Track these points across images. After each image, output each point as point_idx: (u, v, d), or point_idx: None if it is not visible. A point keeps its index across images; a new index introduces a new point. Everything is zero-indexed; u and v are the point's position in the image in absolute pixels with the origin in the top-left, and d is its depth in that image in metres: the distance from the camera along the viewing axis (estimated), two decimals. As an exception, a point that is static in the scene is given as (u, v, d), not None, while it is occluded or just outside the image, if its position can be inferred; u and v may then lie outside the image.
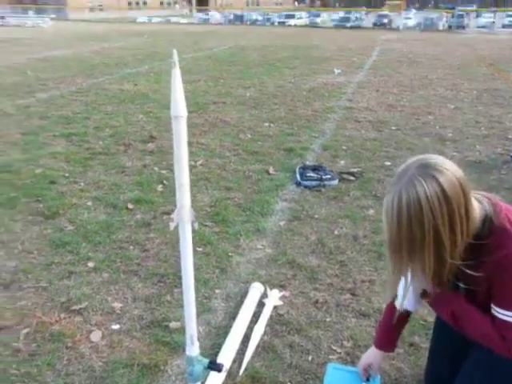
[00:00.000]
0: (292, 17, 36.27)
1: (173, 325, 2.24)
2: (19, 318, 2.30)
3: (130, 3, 63.60)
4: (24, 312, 2.34)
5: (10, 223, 3.29)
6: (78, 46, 17.17)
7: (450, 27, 29.84)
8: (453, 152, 4.85)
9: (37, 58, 13.09)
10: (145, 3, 65.73)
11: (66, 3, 54.99)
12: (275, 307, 2.38)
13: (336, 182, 4.01)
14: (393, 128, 5.83)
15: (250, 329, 2.19)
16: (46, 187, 3.91)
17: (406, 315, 1.51)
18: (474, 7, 44.78)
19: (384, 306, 1.61)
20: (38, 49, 15.85)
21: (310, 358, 2.06)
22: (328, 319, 2.31)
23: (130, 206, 3.55)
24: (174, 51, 1.21)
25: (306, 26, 33.40)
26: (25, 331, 2.20)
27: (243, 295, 2.47)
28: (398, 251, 1.08)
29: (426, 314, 2.21)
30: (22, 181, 4.04)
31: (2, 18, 34.39)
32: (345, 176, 4.14)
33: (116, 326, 2.25)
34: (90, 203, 3.60)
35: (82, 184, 3.98)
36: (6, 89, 8.38)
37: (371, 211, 3.49)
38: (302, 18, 36.71)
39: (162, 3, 67.95)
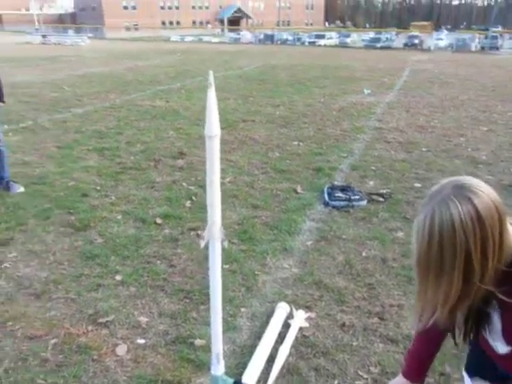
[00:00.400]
0: (322, 37, 36.54)
1: (198, 342, 2.23)
2: (48, 328, 2.34)
3: (163, 23, 65.67)
4: (53, 322, 2.39)
5: (43, 234, 3.38)
6: (113, 63, 17.75)
7: (482, 48, 29.41)
8: (486, 175, 4.73)
9: (74, 75, 13.59)
10: (178, 23, 67.71)
11: (104, 23, 57.26)
12: (301, 328, 2.35)
13: (364, 202, 3.96)
14: (423, 149, 5.74)
15: (275, 349, 2.16)
16: (78, 200, 4.01)
17: (437, 343, 1.46)
18: (500, 28, 43.81)
19: (413, 332, 1.57)
20: (75, 66, 16.47)
21: (335, 382, 2.01)
22: (355, 343, 2.26)
23: (159, 220, 3.59)
24: (210, 72, 1.24)
25: (335, 46, 33.56)
26: (53, 341, 2.24)
27: (269, 315, 2.45)
28: (425, 273, 1.05)
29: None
30: (56, 193, 4.16)
31: (44, 36, 36.02)
32: (373, 197, 4.09)
33: (141, 341, 2.26)
34: (119, 217, 3.67)
35: (113, 198, 4.07)
36: (44, 104, 8.72)
37: (400, 233, 3.43)
38: (332, 38, 36.92)
39: (194, 22, 69.81)
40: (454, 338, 1.23)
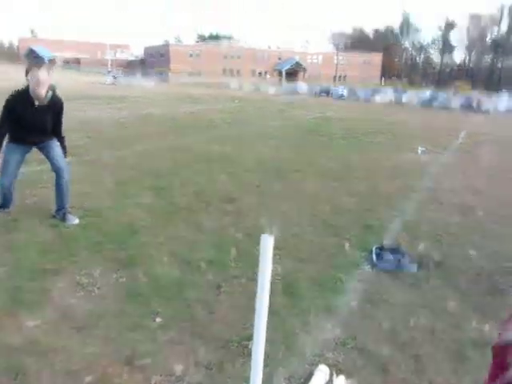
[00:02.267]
0: (377, 92, 36.83)
1: (231, 398, 2.16)
2: (86, 364, 2.35)
3: (224, 70, 68.95)
4: (91, 359, 2.40)
5: (91, 267, 3.47)
6: (174, 106, 18.68)
7: (550, 112, 28.35)
8: (549, 249, 4.42)
9: (138, 115, 14.38)
10: (238, 71, 70.86)
11: (169, 68, 61.01)
12: (340, 397, 2.22)
13: (415, 267, 3.79)
14: (479, 214, 5.49)
15: (311, 417, 2.04)
16: (129, 236, 4.11)
17: None
18: None
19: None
20: (139, 106, 17.47)
21: None
22: (398, 421, 2.10)
23: (203, 265, 3.60)
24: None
25: (391, 102, 33.63)
26: (88, 379, 2.24)
27: (307, 377, 2.34)
28: None
29: None
30: (108, 227, 4.30)
31: (115, 78, 38.73)
32: (424, 261, 3.91)
33: (175, 390, 2.22)
34: (166, 258, 3.72)
35: (162, 238, 4.14)
36: (108, 140, 9.24)
37: (452, 303, 3.23)
38: (388, 94, 37.09)
39: (253, 72, 72.76)
40: None
